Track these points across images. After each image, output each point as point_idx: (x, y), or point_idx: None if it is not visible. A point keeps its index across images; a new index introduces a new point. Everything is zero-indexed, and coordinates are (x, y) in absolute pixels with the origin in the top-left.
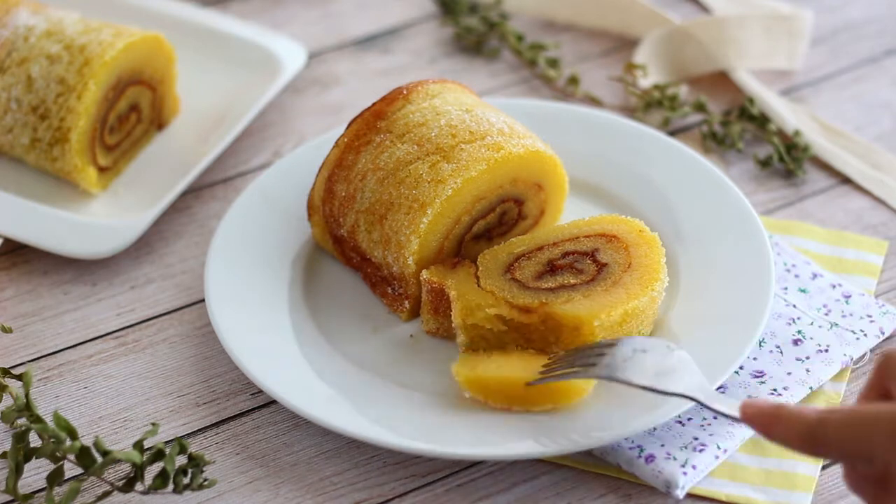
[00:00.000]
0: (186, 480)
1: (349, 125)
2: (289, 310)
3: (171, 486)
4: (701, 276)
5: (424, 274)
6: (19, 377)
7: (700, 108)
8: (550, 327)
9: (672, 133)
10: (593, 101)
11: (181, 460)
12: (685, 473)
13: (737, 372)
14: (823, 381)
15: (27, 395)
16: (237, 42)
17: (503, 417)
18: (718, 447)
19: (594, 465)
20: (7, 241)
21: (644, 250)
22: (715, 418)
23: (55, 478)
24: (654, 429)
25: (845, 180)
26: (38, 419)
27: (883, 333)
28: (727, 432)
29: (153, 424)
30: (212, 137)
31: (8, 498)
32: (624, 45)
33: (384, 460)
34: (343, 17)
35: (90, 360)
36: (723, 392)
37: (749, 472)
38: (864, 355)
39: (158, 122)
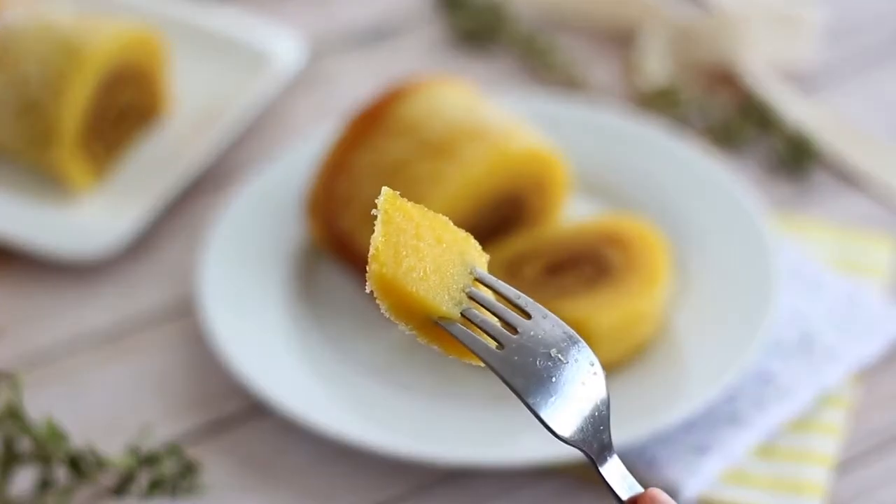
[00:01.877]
0: (181, 486)
1: (348, 124)
2: (286, 312)
3: (165, 492)
4: (705, 277)
5: None
6: (10, 381)
7: (705, 105)
8: None
9: (677, 131)
10: (596, 99)
11: (175, 465)
12: (691, 478)
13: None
14: (830, 383)
15: (18, 400)
16: (235, 40)
17: (503, 422)
18: (724, 451)
19: (595, 474)
20: None
21: (647, 251)
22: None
23: (46, 483)
24: None
25: (853, 179)
26: (28, 424)
27: (891, 334)
28: (733, 436)
29: (147, 429)
30: (208, 136)
31: None
32: (628, 41)
33: (382, 464)
34: (343, 16)
35: (83, 363)
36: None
37: (756, 476)
38: (872, 356)
39: (154, 120)
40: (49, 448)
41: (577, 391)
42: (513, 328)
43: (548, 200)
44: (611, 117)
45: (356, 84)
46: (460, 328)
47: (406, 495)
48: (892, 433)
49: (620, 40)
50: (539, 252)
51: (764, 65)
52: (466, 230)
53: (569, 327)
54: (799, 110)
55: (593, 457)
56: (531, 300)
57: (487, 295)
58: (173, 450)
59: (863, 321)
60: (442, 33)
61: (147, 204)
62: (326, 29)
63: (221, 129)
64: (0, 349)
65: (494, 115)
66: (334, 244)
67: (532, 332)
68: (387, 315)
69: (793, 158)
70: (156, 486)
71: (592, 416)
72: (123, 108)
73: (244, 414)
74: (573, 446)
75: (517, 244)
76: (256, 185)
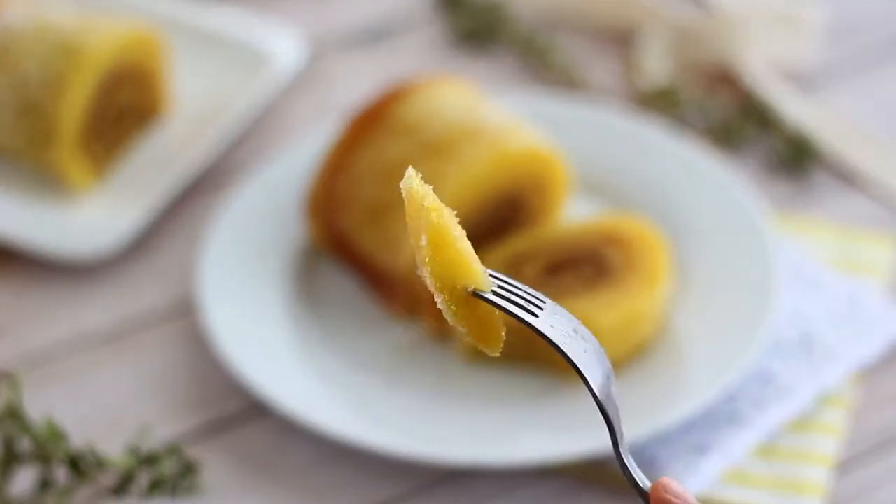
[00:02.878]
0: (181, 486)
1: (348, 124)
2: (286, 312)
3: (165, 492)
4: (705, 277)
5: None
6: (10, 381)
7: (705, 105)
8: None
9: (677, 131)
10: (596, 99)
11: (175, 465)
12: (690, 478)
13: None
14: (830, 383)
15: (18, 400)
16: (235, 39)
17: (503, 422)
18: (724, 451)
19: (596, 475)
20: None
21: (647, 251)
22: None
23: (46, 483)
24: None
25: (853, 179)
26: (28, 424)
27: (891, 334)
28: (733, 436)
29: (147, 429)
30: (208, 136)
31: None
32: (628, 41)
33: (382, 464)
34: (343, 16)
35: (83, 363)
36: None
37: (756, 476)
38: (872, 356)
39: (153, 120)
40: (49, 448)
41: (599, 368)
42: (536, 306)
43: (548, 200)
44: (611, 117)
45: (356, 84)
46: (498, 298)
47: (406, 495)
48: (892, 433)
49: (620, 40)
50: (539, 252)
51: (764, 65)
52: (467, 230)
53: (575, 317)
54: (799, 110)
55: (616, 431)
56: (537, 292)
57: (504, 283)
58: (173, 450)
59: (863, 321)
60: (442, 33)
61: (147, 204)
62: (326, 29)
63: (221, 129)
64: (0, 349)
65: (494, 115)
66: (334, 244)
67: (553, 312)
68: (429, 279)
69: (793, 158)
70: (156, 486)
71: (612, 394)
72: (123, 108)
73: (244, 414)
74: (607, 416)
75: (517, 244)
76: (256, 185)
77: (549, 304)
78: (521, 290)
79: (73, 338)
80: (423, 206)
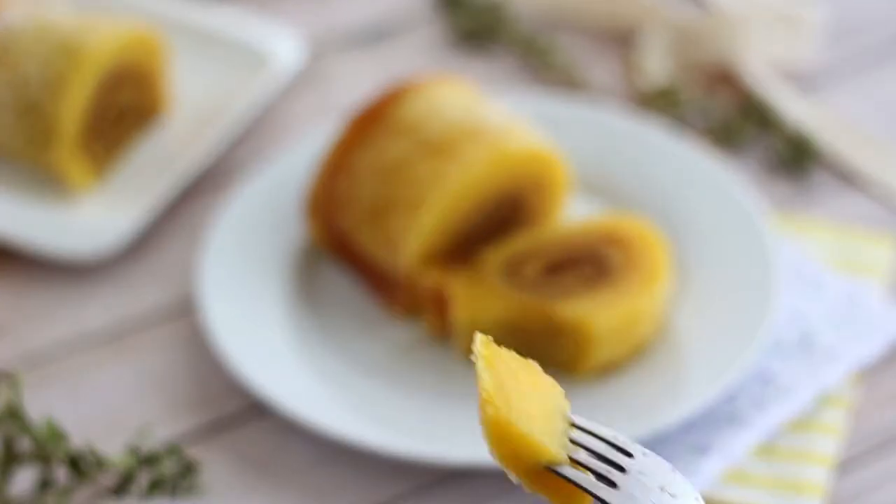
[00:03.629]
0: (181, 486)
1: (348, 124)
2: (286, 312)
3: (165, 492)
4: (705, 277)
5: (424, 275)
6: (10, 381)
7: (705, 105)
8: (551, 330)
9: (677, 131)
10: (596, 99)
11: (175, 465)
12: (690, 478)
13: None
14: (830, 383)
15: (18, 400)
16: (234, 39)
17: None
18: (724, 451)
19: None
20: None
21: (647, 250)
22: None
23: (46, 483)
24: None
25: (853, 179)
26: (28, 424)
27: (891, 334)
28: (733, 436)
29: (147, 429)
30: (208, 136)
31: None
32: (628, 41)
33: (382, 464)
34: (343, 16)
35: (83, 363)
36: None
37: (756, 476)
38: (872, 356)
39: (153, 120)
40: (49, 448)
41: None
42: (619, 467)
43: (548, 200)
44: (611, 117)
45: (356, 84)
46: (573, 471)
47: (406, 495)
48: (892, 433)
49: (620, 40)
50: (539, 252)
51: (764, 65)
52: (467, 230)
53: (667, 463)
54: (799, 110)
55: None
56: (628, 439)
57: (588, 437)
58: (173, 450)
59: (863, 321)
60: (442, 33)
61: (147, 204)
62: (326, 29)
63: (221, 129)
64: (0, 349)
65: (494, 115)
66: (334, 244)
67: (638, 470)
68: (495, 461)
69: (793, 158)
70: (156, 486)
71: None
72: (123, 108)
73: (244, 414)
74: None
75: (517, 244)
76: (256, 185)
77: (637, 456)
78: (602, 446)
79: (73, 338)
80: (480, 402)
